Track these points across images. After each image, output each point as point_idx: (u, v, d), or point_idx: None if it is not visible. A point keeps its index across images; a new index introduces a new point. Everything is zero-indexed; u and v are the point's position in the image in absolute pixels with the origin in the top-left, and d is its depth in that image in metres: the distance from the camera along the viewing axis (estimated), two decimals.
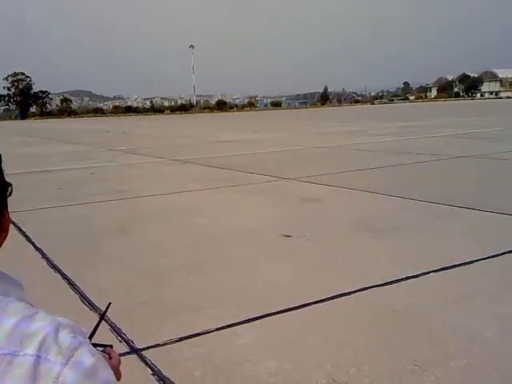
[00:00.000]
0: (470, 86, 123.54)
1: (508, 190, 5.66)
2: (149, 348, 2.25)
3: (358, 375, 1.95)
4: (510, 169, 7.33)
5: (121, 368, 1.07)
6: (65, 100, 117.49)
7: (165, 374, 2.01)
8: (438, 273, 3.05)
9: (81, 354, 0.64)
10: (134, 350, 2.23)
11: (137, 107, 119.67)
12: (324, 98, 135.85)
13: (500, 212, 4.49)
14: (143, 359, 2.15)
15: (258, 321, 2.50)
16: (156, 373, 2.03)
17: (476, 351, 2.09)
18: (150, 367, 2.08)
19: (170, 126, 32.47)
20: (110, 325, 2.46)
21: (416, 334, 2.29)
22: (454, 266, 3.13)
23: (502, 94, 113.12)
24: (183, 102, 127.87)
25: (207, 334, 2.37)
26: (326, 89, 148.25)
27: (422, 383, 1.88)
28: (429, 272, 3.06)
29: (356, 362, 2.05)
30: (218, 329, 2.41)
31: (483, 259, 3.26)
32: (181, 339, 2.32)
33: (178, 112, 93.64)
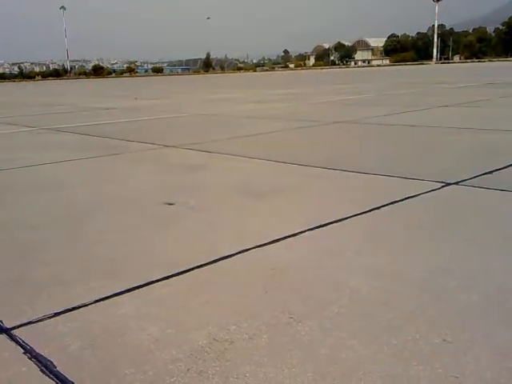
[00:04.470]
0: (344, 54, 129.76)
1: (379, 152, 6.09)
2: (20, 326, 2.11)
3: (238, 332, 2.01)
4: (380, 132, 7.88)
5: None
6: None
7: (38, 351, 1.91)
8: (313, 231, 3.21)
9: None
10: (2, 330, 2.08)
11: (3, 73, 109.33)
12: (207, 65, 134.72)
13: (369, 172, 4.82)
14: (13, 338, 2.01)
15: (139, 289, 2.46)
16: (28, 351, 1.92)
17: (345, 300, 2.25)
18: (21, 346, 1.95)
19: (40, 93, 30.15)
20: None
21: (292, 288, 2.40)
22: (327, 224, 3.32)
23: (373, 62, 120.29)
24: (56, 68, 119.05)
25: (84, 307, 2.28)
26: (208, 55, 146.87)
27: (298, 333, 1.99)
28: (305, 230, 3.21)
29: (236, 319, 2.11)
30: (95, 301, 2.33)
31: (354, 216, 3.50)
32: (55, 315, 2.21)
33: (50, 78, 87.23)
